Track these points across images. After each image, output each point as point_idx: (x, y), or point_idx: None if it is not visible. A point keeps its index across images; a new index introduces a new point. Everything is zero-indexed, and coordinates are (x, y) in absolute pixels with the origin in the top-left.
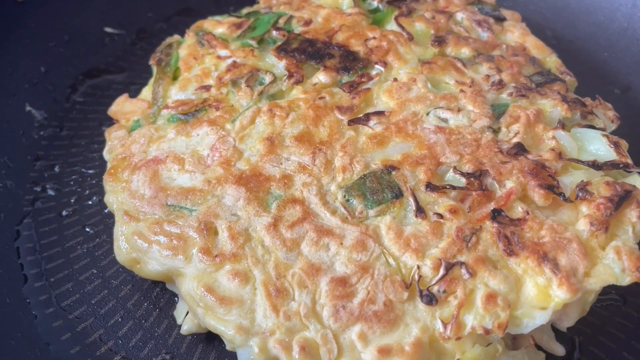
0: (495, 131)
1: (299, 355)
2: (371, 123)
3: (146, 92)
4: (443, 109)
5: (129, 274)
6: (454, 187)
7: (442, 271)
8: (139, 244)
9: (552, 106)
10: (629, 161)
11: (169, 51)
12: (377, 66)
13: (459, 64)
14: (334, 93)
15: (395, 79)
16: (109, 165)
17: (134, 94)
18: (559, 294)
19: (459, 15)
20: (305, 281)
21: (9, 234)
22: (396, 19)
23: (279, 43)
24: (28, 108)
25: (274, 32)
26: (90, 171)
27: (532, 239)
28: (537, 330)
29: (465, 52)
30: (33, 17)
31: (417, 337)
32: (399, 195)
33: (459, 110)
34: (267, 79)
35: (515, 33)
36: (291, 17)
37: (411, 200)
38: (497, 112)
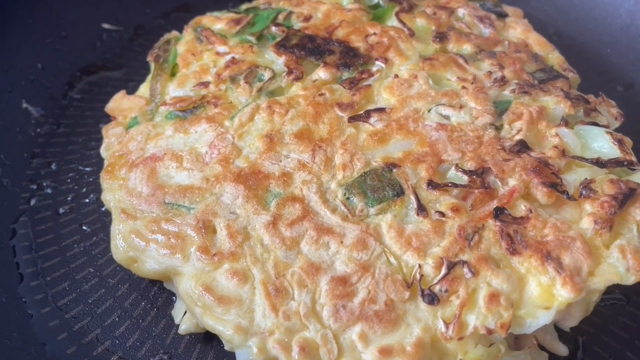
0: (498, 128)
1: (299, 355)
2: (372, 120)
3: (144, 89)
4: (445, 105)
5: (126, 272)
6: (455, 185)
7: (444, 270)
8: (137, 243)
9: (555, 103)
10: (633, 158)
11: (167, 47)
12: (377, 62)
13: (461, 61)
14: (334, 90)
15: (396, 76)
16: (106, 162)
17: (132, 90)
18: (563, 294)
19: (461, 11)
20: (305, 280)
21: (4, 232)
22: (397, 14)
23: (278, 39)
24: (24, 105)
25: (273, 28)
26: (88, 169)
27: (535, 238)
28: (540, 330)
29: (467, 48)
30: (29, 12)
31: (418, 337)
32: (400, 193)
33: (461, 107)
34: (266, 75)
35: (517, 29)
36: (290, 12)
37: (412, 198)
38: (500, 109)
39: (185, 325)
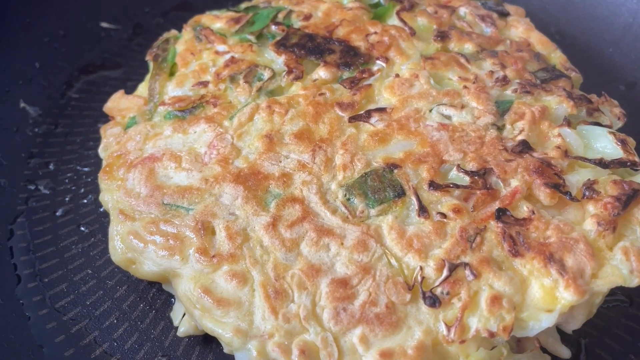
0: (500, 128)
1: (299, 358)
2: (372, 120)
3: (142, 89)
4: (446, 105)
5: (124, 274)
6: (457, 186)
7: (445, 272)
8: (135, 244)
9: (558, 103)
10: (637, 159)
11: (165, 46)
12: (378, 62)
13: (462, 60)
14: (335, 89)
15: (397, 75)
16: (104, 163)
17: (131, 90)
18: (566, 296)
19: (462, 10)
20: (305, 282)
21: (2, 233)
22: (398, 13)
23: (278, 38)
24: (22, 105)
25: (273, 27)
26: (86, 169)
27: (537, 239)
28: (543, 333)
29: (469, 47)
30: (27, 11)
31: (420, 340)
32: (401, 194)
33: (463, 106)
34: (266, 74)
35: (519, 28)
36: (290, 11)
37: (414, 199)
38: (502, 108)
39: (184, 328)
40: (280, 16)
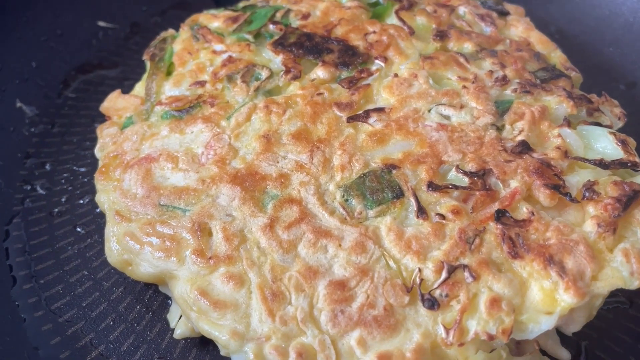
0: (499, 129)
1: None
2: (371, 120)
3: (139, 88)
4: (445, 105)
5: (120, 275)
6: (456, 187)
7: (444, 274)
8: (131, 245)
9: (558, 103)
10: (637, 160)
11: (163, 46)
12: (377, 61)
13: (462, 59)
14: (333, 89)
15: (396, 75)
16: (100, 163)
17: (128, 89)
18: (566, 299)
19: (462, 9)
20: (302, 284)
21: None
22: (397, 12)
23: (276, 37)
24: (18, 104)
25: (271, 26)
26: (82, 169)
27: (537, 241)
28: (542, 335)
29: (468, 47)
30: (24, 10)
31: (418, 343)
32: (399, 195)
33: (462, 106)
34: (264, 74)
35: (519, 28)
36: (289, 10)
37: (412, 200)
38: (501, 108)
39: (180, 330)
40: (278, 15)
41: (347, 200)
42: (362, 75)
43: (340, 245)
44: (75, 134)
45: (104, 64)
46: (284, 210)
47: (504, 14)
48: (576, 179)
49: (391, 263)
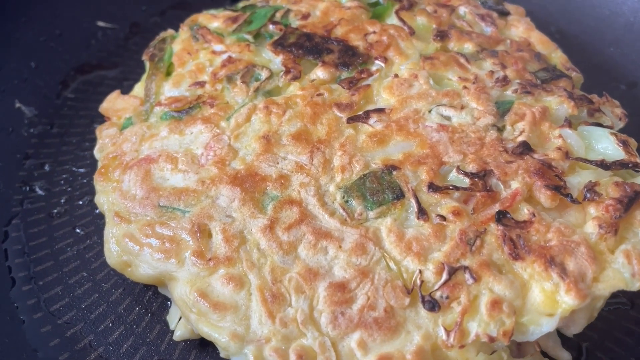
0: (500, 129)
1: None
2: (371, 121)
3: (138, 89)
4: (446, 106)
5: (120, 277)
6: (457, 188)
7: (445, 276)
8: (130, 247)
9: (558, 103)
10: (638, 160)
11: (162, 46)
12: (377, 62)
13: (462, 60)
14: (333, 90)
15: (396, 75)
16: (99, 164)
17: (127, 90)
18: (567, 300)
19: (462, 9)
20: (302, 286)
21: None
22: (397, 12)
23: (276, 37)
24: (17, 105)
25: (271, 26)
26: (81, 170)
27: (538, 242)
28: (543, 337)
29: (469, 47)
30: (23, 10)
31: (419, 345)
32: (400, 196)
33: (462, 107)
34: (264, 74)
35: (519, 28)
36: (288, 10)
37: (413, 201)
38: (502, 109)
39: (180, 331)
40: (278, 15)
41: (347, 201)
42: (362, 75)
43: (340, 247)
44: (75, 134)
45: (103, 65)
46: (284, 211)
47: (504, 14)
48: (577, 180)
49: (392, 264)
